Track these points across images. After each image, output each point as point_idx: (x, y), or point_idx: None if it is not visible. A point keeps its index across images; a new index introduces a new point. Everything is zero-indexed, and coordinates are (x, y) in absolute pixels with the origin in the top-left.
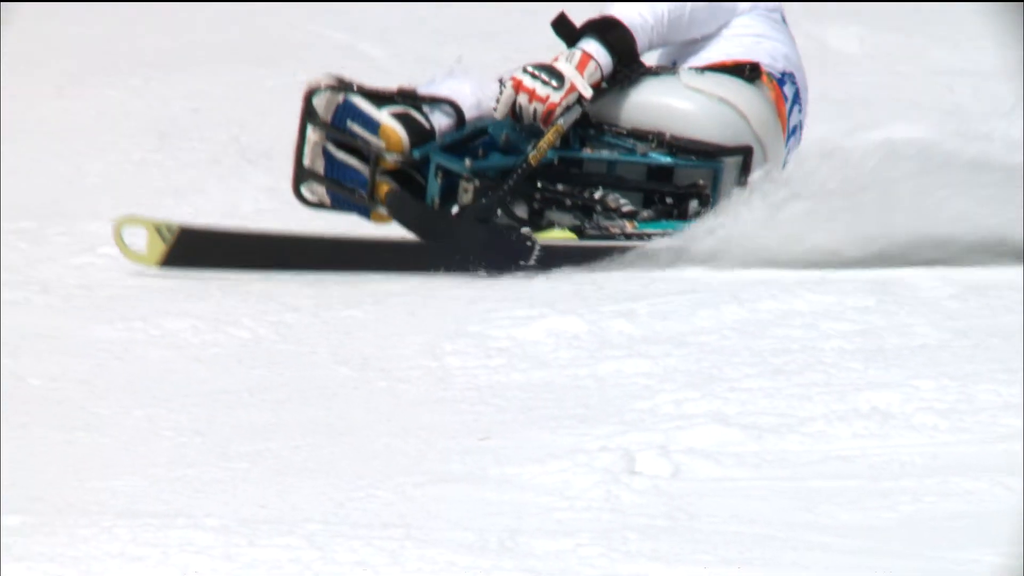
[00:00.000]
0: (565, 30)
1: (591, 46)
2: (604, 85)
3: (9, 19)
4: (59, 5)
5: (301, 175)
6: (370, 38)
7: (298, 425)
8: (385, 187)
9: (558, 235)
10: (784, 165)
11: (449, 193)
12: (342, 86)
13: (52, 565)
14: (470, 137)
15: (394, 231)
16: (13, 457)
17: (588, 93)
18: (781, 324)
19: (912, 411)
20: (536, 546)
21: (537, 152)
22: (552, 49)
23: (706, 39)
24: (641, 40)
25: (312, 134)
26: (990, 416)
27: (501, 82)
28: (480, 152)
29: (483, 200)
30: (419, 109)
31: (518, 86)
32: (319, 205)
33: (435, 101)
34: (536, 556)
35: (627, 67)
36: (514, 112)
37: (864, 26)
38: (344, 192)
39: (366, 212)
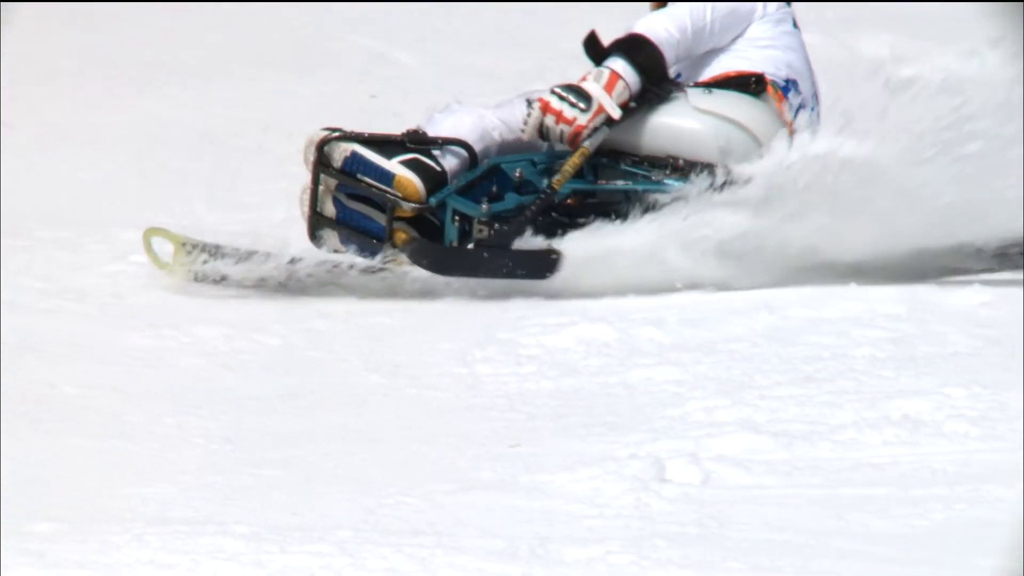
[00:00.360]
0: (594, 49)
1: (619, 65)
2: (632, 105)
3: (43, 27)
4: (96, 14)
5: (316, 222)
6: (404, 46)
7: (328, 432)
8: (403, 235)
9: None
10: None
11: (466, 235)
12: (348, 136)
13: (84, 572)
14: (483, 176)
15: None
16: (46, 464)
17: (616, 114)
18: (811, 331)
19: (943, 419)
20: (566, 553)
21: (561, 176)
22: (582, 56)
23: (714, 50)
24: (669, 56)
25: (324, 182)
26: (1022, 424)
27: (530, 103)
28: (495, 190)
29: (504, 228)
30: (428, 153)
31: (546, 107)
32: (334, 251)
33: (445, 143)
34: (566, 564)
35: (656, 85)
36: (541, 133)
37: (895, 33)
38: (359, 238)
39: (377, 254)
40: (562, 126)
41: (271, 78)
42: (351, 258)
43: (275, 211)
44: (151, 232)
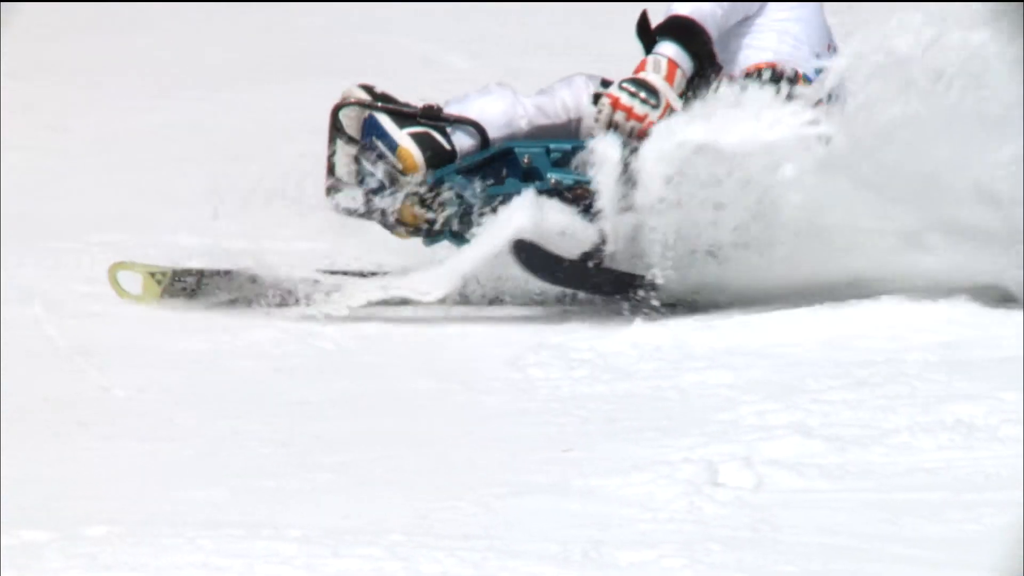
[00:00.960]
0: (645, 31)
1: (672, 50)
2: (688, 94)
3: (92, 30)
4: (153, 15)
5: (332, 185)
6: (456, 49)
7: (381, 436)
8: (408, 208)
9: None
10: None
11: (467, 215)
12: (369, 102)
13: (136, 575)
14: (492, 159)
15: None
16: (99, 468)
17: (679, 106)
18: (864, 335)
19: (997, 423)
20: (619, 557)
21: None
22: (633, 59)
23: (740, 31)
24: (714, 37)
25: (343, 146)
26: None
27: (598, 97)
28: (504, 173)
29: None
30: (441, 130)
31: (615, 104)
32: (355, 214)
33: (458, 121)
34: (619, 567)
35: (705, 69)
36: (610, 127)
37: None
38: (370, 207)
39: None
40: (633, 123)
41: (322, 82)
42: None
43: (312, 218)
44: (117, 267)
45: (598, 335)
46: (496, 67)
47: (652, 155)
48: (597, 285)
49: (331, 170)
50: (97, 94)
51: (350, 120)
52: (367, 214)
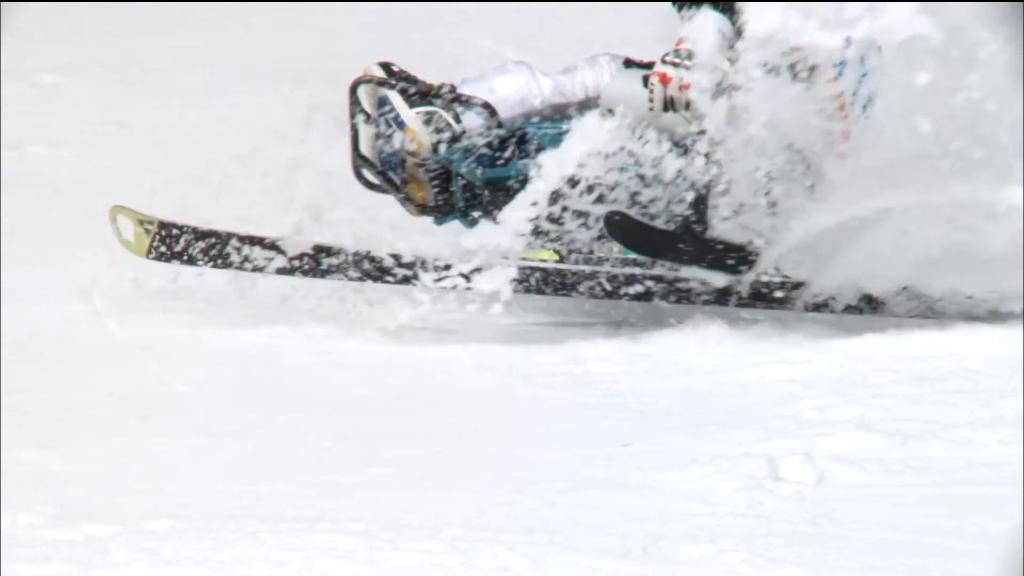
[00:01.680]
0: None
1: (711, 16)
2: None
3: (146, 29)
4: (205, 14)
5: (357, 162)
6: (516, 45)
7: (441, 431)
8: (416, 186)
9: (542, 255)
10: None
11: (474, 199)
12: (382, 79)
13: (199, 569)
14: (505, 139)
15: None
16: (161, 462)
17: (727, 66)
18: (924, 330)
19: None
20: (679, 552)
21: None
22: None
23: None
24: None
25: (364, 124)
26: None
27: (647, 81)
28: (509, 155)
29: (693, 218)
30: (450, 109)
31: (664, 80)
32: (380, 189)
33: (468, 101)
34: (679, 562)
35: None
36: (668, 107)
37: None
38: (387, 184)
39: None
40: (685, 93)
41: None
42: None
43: (384, 210)
44: (115, 211)
45: (658, 329)
46: (554, 63)
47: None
48: (694, 257)
49: (355, 146)
50: (155, 91)
51: (368, 97)
52: (386, 189)
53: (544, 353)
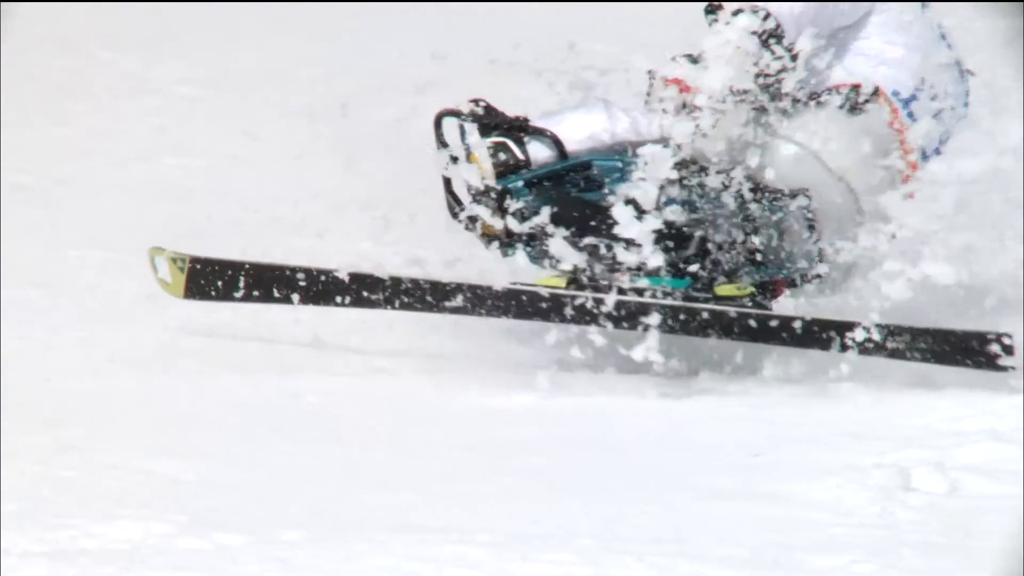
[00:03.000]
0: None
1: (737, 30)
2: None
3: (275, 35)
4: (336, 20)
5: (450, 202)
6: (630, 49)
7: (570, 441)
8: (487, 225)
9: (550, 281)
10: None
11: (534, 228)
12: (459, 111)
13: None
14: (568, 170)
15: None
16: (293, 472)
17: (739, 79)
18: None
19: None
20: (810, 562)
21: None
22: None
23: (840, 49)
24: (790, 29)
25: (445, 156)
26: None
27: (685, 104)
28: (574, 189)
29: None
30: (519, 140)
31: (680, 87)
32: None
33: (536, 132)
34: (810, 572)
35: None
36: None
37: None
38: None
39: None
40: (685, 94)
41: (494, 85)
42: None
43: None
44: (153, 252)
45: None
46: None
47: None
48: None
49: (447, 186)
50: (286, 102)
51: (456, 129)
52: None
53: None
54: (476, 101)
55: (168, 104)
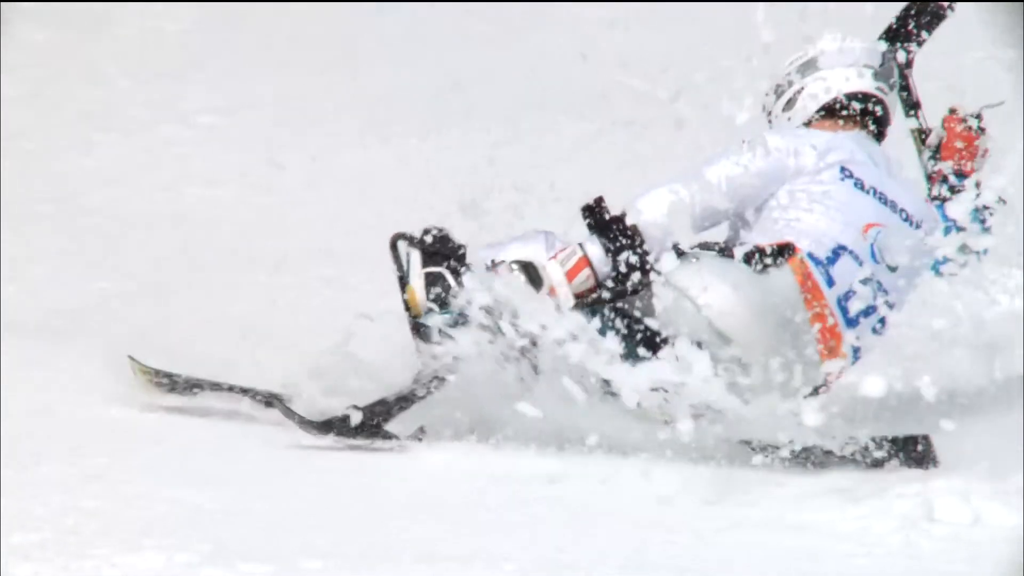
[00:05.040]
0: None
1: (594, 250)
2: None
3: (301, 66)
4: (364, 54)
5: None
6: (668, 87)
7: (596, 470)
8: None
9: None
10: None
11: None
12: (411, 237)
13: None
14: (488, 308)
15: None
16: (316, 501)
17: (567, 303)
18: None
19: None
20: None
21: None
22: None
23: (758, 213)
24: (656, 240)
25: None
26: None
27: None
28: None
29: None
30: (456, 272)
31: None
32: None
33: (473, 265)
34: None
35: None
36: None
37: None
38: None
39: None
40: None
41: (537, 117)
42: None
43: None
44: (134, 366)
45: None
46: (712, 110)
47: None
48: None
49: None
50: (309, 131)
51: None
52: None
53: None
54: (428, 230)
55: (192, 133)
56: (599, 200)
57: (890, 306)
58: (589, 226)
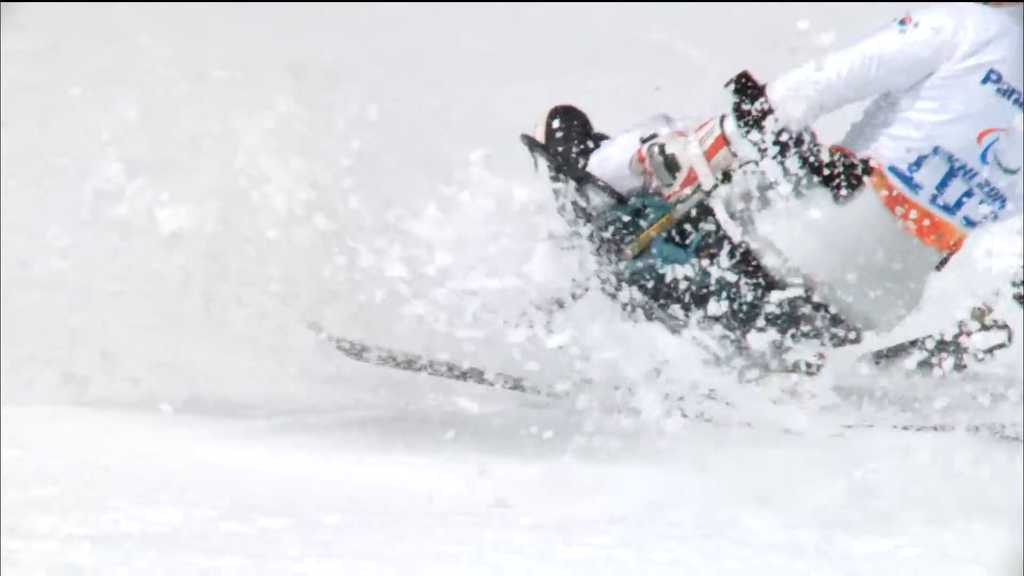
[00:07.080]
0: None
1: (730, 128)
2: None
3: (328, 28)
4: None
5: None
6: (689, 39)
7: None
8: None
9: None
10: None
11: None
12: (539, 143)
13: (370, 563)
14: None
15: None
16: (333, 457)
17: (708, 182)
18: None
19: None
20: (854, 547)
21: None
22: None
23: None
24: (802, 122)
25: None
26: None
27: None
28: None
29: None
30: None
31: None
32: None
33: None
34: (853, 558)
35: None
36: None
37: None
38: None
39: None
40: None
41: (556, 72)
42: None
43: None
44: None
45: None
46: (727, 58)
47: None
48: None
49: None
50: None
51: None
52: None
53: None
54: (568, 109)
55: (210, 89)
56: (746, 73)
57: (994, 198)
58: (737, 92)
